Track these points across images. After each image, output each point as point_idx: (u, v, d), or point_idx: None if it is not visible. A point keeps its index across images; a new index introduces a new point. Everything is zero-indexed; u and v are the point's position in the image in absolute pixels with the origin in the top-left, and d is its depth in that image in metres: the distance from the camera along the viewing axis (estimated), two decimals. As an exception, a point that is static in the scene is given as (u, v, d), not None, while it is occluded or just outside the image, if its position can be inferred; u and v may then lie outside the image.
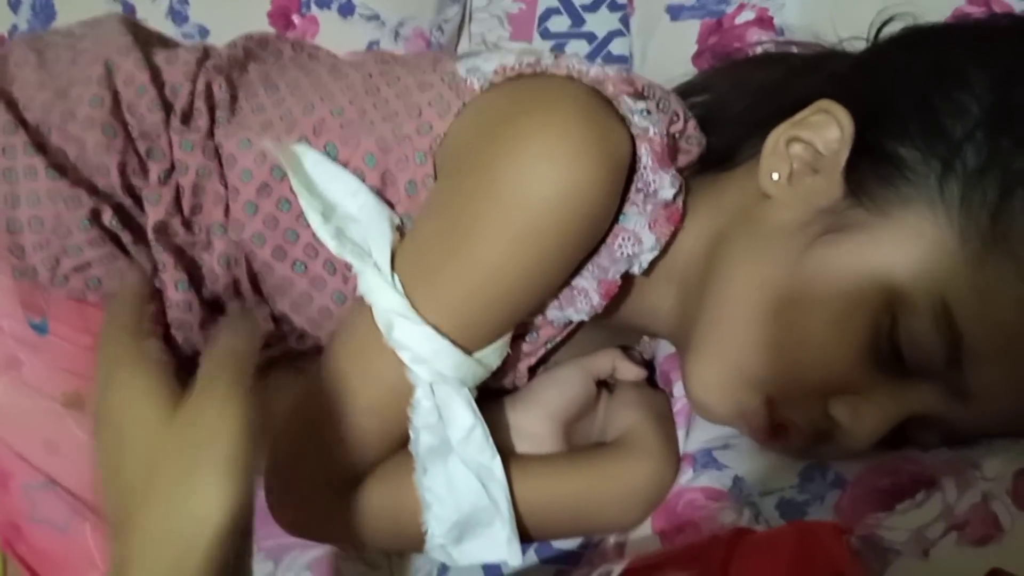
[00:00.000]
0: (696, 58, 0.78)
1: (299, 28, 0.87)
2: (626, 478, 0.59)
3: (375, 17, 0.87)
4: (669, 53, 0.78)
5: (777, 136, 0.55)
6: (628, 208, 0.57)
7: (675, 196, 0.56)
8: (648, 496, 0.59)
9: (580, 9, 0.92)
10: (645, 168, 0.56)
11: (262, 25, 0.87)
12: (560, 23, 0.92)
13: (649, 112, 0.55)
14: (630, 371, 0.64)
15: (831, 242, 0.52)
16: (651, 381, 0.68)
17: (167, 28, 0.89)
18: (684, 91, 0.69)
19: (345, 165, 0.60)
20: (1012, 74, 0.51)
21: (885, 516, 0.52)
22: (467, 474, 0.56)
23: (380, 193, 0.59)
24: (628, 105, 0.55)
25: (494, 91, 0.57)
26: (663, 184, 0.56)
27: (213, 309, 0.64)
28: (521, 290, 0.55)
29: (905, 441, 0.56)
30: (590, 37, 0.91)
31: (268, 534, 0.63)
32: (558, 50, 0.91)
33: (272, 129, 0.62)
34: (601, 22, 0.91)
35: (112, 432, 0.46)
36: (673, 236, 0.58)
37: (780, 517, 0.54)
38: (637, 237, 0.57)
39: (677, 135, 0.58)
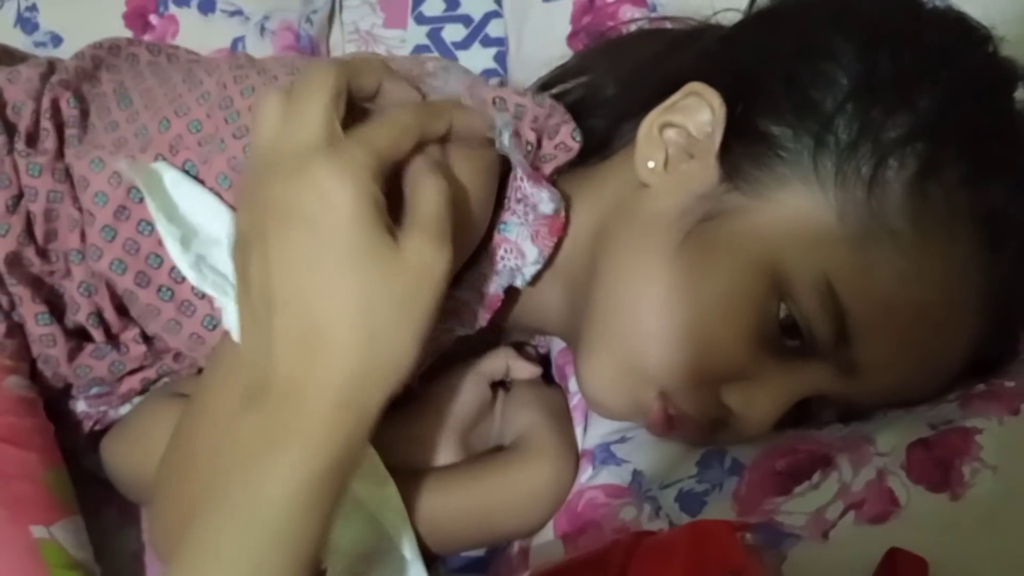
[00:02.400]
0: (571, 39, 0.76)
1: (158, 29, 0.83)
2: (525, 483, 0.57)
3: (238, 12, 0.83)
4: (544, 34, 0.77)
5: (650, 122, 0.54)
6: (508, 217, 0.55)
7: (556, 209, 0.55)
8: (549, 498, 0.57)
9: (454, -4, 0.90)
10: (521, 181, 0.54)
11: (118, 28, 0.82)
12: (435, 7, 0.90)
13: (516, 133, 0.53)
14: (524, 370, 0.63)
15: (710, 228, 0.51)
16: (548, 376, 0.66)
17: (16, 38, 0.83)
18: (560, 75, 0.68)
19: (203, 184, 0.56)
20: (878, 42, 0.50)
21: (783, 500, 0.52)
22: (359, 508, 0.54)
23: None
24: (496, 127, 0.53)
25: None
26: (542, 199, 0.54)
27: (80, 338, 0.61)
28: None
29: (803, 419, 0.55)
30: (466, 20, 0.89)
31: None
32: (434, 36, 0.88)
33: (126, 147, 0.58)
34: (477, 4, 0.88)
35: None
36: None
37: (680, 510, 0.53)
38: (520, 250, 0.55)
39: (552, 132, 0.56)
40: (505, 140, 0.53)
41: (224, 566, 0.42)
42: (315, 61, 0.51)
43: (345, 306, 0.44)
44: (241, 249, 0.47)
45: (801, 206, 0.49)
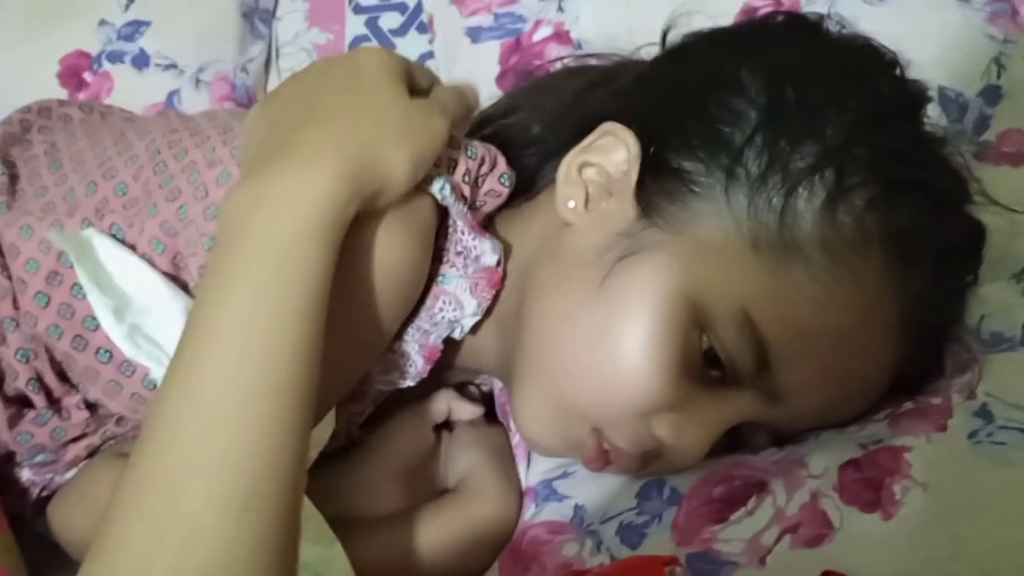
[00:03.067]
0: (500, 79, 0.78)
1: (92, 86, 0.83)
2: (468, 525, 0.58)
3: (172, 66, 0.84)
4: (473, 76, 0.77)
5: (568, 163, 0.55)
6: (447, 270, 0.56)
7: (498, 261, 0.56)
8: (493, 539, 0.58)
9: (388, 33, 0.90)
10: (462, 234, 0.55)
11: (52, 88, 0.82)
12: (371, 53, 0.90)
13: (452, 187, 0.54)
14: (465, 410, 0.63)
15: (630, 265, 0.51)
16: (493, 415, 0.67)
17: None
18: (490, 115, 0.69)
19: (133, 249, 0.57)
20: (783, 74, 0.52)
21: (720, 528, 0.52)
22: (306, 569, 0.53)
23: (175, 277, 0.57)
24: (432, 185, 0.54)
25: None
26: (484, 250, 0.55)
27: (21, 405, 0.61)
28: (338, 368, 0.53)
29: (737, 445, 0.56)
30: (401, 62, 0.89)
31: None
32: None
33: (54, 211, 0.58)
34: (411, 45, 0.89)
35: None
36: None
37: (621, 543, 0.54)
38: (458, 301, 0.56)
39: (481, 180, 0.57)
40: (446, 194, 0.54)
41: (247, 309, 0.45)
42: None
43: (359, 115, 0.50)
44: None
45: (716, 239, 0.50)
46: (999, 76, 0.70)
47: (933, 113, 0.61)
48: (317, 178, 0.47)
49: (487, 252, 0.55)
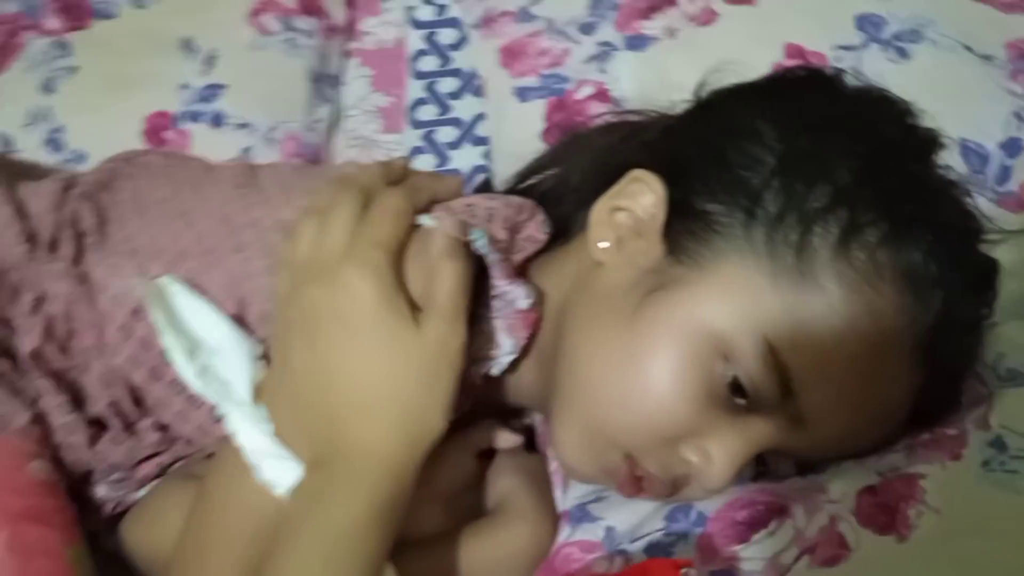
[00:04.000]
0: (545, 134, 0.82)
1: (173, 143, 0.90)
2: (505, 545, 0.61)
3: (245, 125, 0.90)
4: (521, 132, 0.82)
5: (600, 207, 0.59)
6: (484, 312, 0.59)
7: (532, 304, 0.59)
8: (527, 560, 0.61)
9: (446, 97, 0.97)
10: (498, 281, 0.59)
11: (137, 145, 0.89)
12: (428, 112, 0.96)
13: (489, 237, 0.58)
14: (506, 440, 0.67)
15: (658, 299, 0.55)
16: (534, 445, 0.70)
17: (45, 156, 0.90)
18: (535, 167, 0.74)
19: (204, 294, 0.62)
20: (798, 123, 0.56)
21: (742, 547, 0.55)
22: None
23: (241, 319, 0.62)
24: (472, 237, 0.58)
25: None
26: (518, 295, 0.59)
27: (99, 427, 0.66)
28: None
29: (763, 473, 0.59)
30: (457, 123, 0.95)
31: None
32: (428, 138, 0.95)
33: (138, 256, 0.64)
34: (466, 107, 0.95)
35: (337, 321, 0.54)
36: None
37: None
38: (495, 341, 0.59)
39: (521, 227, 0.62)
40: (483, 244, 0.58)
41: None
42: (337, 177, 0.61)
43: (380, 383, 0.54)
44: (281, 348, 0.57)
45: (737, 275, 0.54)
46: (1019, 129, 0.73)
47: (954, 163, 0.63)
48: (364, 488, 0.53)
49: (520, 297, 0.59)
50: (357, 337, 0.54)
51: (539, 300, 0.60)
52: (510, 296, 0.59)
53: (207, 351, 0.61)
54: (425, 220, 0.58)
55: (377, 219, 0.56)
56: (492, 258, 0.58)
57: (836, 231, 0.53)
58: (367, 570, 0.51)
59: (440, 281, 0.55)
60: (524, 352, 0.61)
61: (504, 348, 0.60)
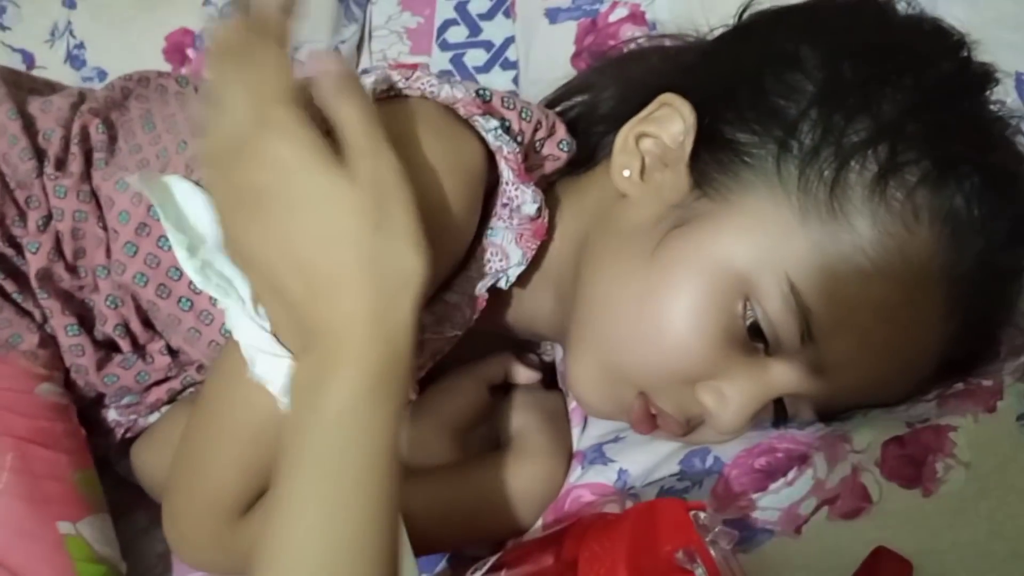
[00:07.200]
0: (575, 59, 0.79)
1: (195, 63, 0.88)
2: (516, 481, 0.60)
3: (269, 44, 0.88)
4: (550, 56, 0.79)
5: (626, 133, 0.56)
6: (495, 223, 0.58)
7: (538, 210, 0.57)
8: (537, 498, 0.59)
9: (476, 18, 0.93)
10: (508, 183, 0.57)
11: (158, 62, 0.88)
12: (458, 34, 0.93)
13: (506, 128, 0.56)
14: (522, 375, 0.65)
15: (681, 235, 0.52)
16: (553, 382, 0.69)
17: (66, 73, 0.89)
18: (564, 93, 0.70)
19: None
20: (842, 49, 0.52)
21: (759, 496, 0.53)
22: None
23: None
24: (481, 124, 0.56)
25: None
26: (525, 199, 0.57)
27: (109, 349, 0.65)
28: None
29: (782, 420, 0.56)
30: (487, 45, 0.92)
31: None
32: (456, 61, 0.92)
33: (148, 168, 0.63)
34: (497, 29, 0.91)
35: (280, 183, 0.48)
36: (542, 244, 0.58)
37: (660, 506, 0.55)
38: (504, 252, 0.57)
39: (539, 145, 0.59)
40: (499, 134, 0.55)
41: (316, 474, 0.47)
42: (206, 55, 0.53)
43: (335, 246, 0.47)
44: (242, 250, 0.52)
45: (765, 209, 0.51)
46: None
47: (1008, 99, 0.60)
48: (357, 356, 0.47)
49: (528, 200, 0.56)
50: (297, 207, 0.48)
51: (552, 212, 0.58)
52: (518, 201, 0.57)
53: (210, 248, 0.59)
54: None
55: (260, 77, 0.49)
56: (507, 150, 0.55)
57: (874, 168, 0.50)
58: (382, 447, 0.47)
59: (344, 121, 0.49)
60: (535, 267, 0.58)
61: (513, 259, 0.58)
